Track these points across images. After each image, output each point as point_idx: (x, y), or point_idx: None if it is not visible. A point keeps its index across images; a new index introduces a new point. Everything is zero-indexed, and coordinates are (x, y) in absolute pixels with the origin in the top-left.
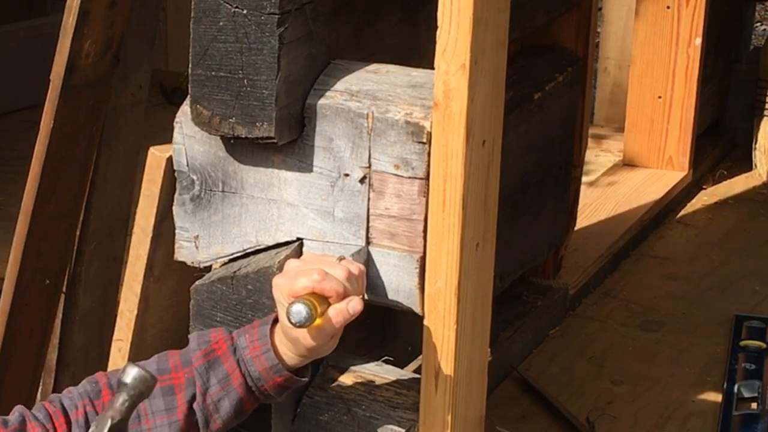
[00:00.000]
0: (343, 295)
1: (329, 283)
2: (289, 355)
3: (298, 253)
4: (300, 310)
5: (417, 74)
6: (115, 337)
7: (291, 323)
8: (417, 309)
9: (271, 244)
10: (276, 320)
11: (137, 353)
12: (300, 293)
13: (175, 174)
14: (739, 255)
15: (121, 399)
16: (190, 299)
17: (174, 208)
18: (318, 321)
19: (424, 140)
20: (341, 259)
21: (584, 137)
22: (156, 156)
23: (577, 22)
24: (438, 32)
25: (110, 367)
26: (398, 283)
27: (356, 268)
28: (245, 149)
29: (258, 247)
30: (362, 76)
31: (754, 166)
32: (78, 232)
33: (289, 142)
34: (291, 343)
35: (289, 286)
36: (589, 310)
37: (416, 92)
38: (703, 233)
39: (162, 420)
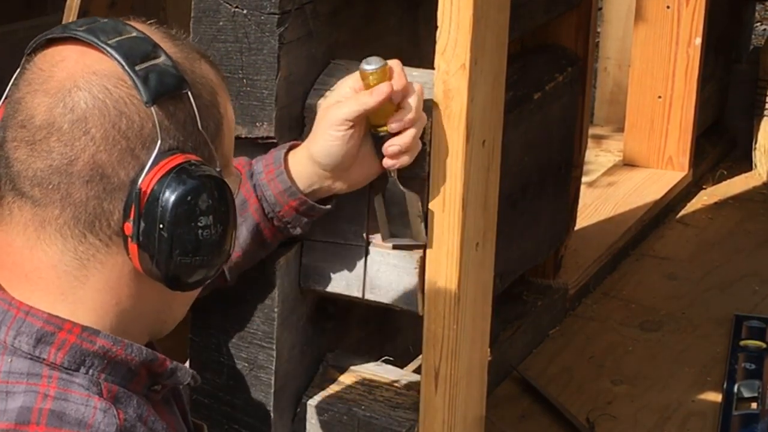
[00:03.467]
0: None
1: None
2: (305, 180)
3: (298, 254)
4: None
5: (417, 74)
6: None
7: (365, 68)
8: (417, 309)
9: None
10: (292, 148)
11: None
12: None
13: None
14: (739, 255)
15: None
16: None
17: None
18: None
19: (424, 140)
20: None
21: (584, 137)
22: None
23: (577, 22)
24: (438, 32)
25: None
26: (398, 283)
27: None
28: (245, 149)
29: None
30: None
31: (754, 166)
32: None
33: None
34: (310, 163)
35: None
36: (589, 310)
37: None
38: (703, 233)
39: None
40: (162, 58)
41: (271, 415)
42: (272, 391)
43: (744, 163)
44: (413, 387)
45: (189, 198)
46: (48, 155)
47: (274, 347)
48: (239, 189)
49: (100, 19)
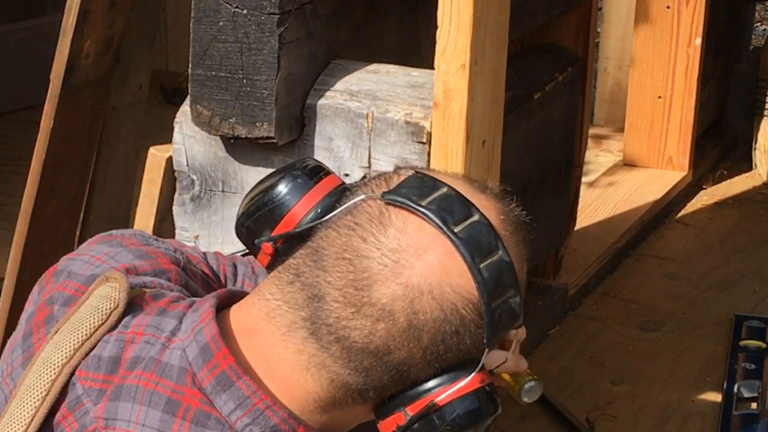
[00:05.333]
0: None
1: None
2: None
3: None
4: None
5: (417, 74)
6: None
7: (523, 400)
8: None
9: None
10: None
11: None
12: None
13: (175, 174)
14: (739, 255)
15: None
16: None
17: (174, 208)
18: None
19: (424, 140)
20: None
21: (584, 137)
22: (156, 156)
23: (577, 22)
24: (438, 32)
25: None
26: None
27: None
28: (245, 149)
29: None
30: (362, 76)
31: (754, 166)
32: (78, 232)
33: (289, 142)
34: None
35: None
36: (589, 310)
37: (416, 92)
38: (703, 233)
39: None
40: (513, 293)
41: None
42: None
43: (744, 163)
44: None
45: (471, 430)
46: (370, 335)
47: None
48: None
49: (474, 212)
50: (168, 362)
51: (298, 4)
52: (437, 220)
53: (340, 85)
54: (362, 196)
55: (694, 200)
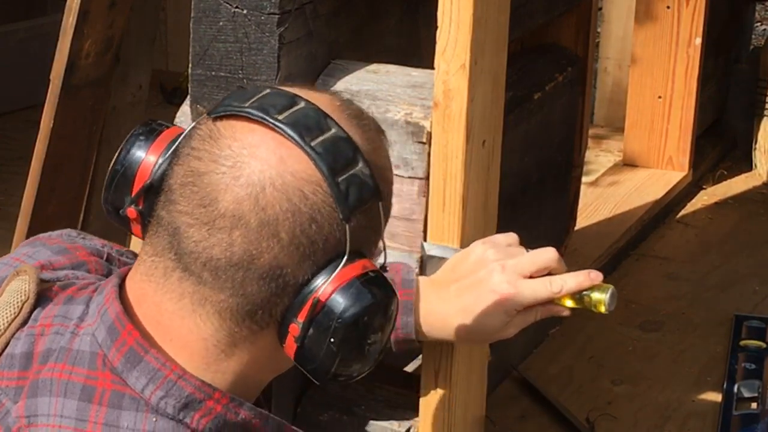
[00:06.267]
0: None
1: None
2: (427, 333)
3: None
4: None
5: (417, 74)
6: None
7: (609, 310)
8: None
9: None
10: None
11: None
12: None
13: None
14: (739, 255)
15: None
16: None
17: None
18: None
19: (424, 140)
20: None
21: (584, 137)
22: None
23: (577, 22)
24: (438, 32)
25: None
26: None
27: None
28: None
29: None
30: (362, 76)
31: (754, 166)
32: None
33: None
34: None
35: (539, 292)
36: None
37: (416, 92)
38: (703, 233)
39: None
40: (360, 165)
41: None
42: (273, 390)
43: (744, 163)
44: (413, 387)
45: (366, 318)
46: (229, 247)
47: None
48: None
49: (299, 101)
50: (79, 349)
51: (298, 4)
52: (261, 114)
53: (340, 85)
54: (192, 124)
55: (694, 200)
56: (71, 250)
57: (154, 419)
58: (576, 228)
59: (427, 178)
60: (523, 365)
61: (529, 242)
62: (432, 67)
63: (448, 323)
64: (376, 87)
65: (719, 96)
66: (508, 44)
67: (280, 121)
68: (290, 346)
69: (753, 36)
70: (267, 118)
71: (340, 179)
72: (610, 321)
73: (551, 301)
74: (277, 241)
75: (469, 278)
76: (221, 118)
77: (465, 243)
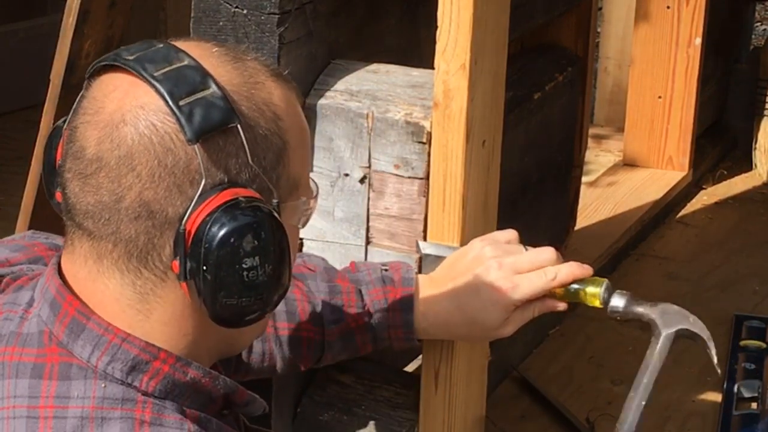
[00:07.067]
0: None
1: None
2: (426, 331)
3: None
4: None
5: (417, 74)
6: None
7: (603, 304)
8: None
9: None
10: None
11: None
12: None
13: None
14: (739, 255)
15: None
16: None
17: None
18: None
19: (424, 140)
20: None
21: (584, 137)
22: None
23: (577, 22)
24: (438, 32)
25: None
26: None
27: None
28: None
29: None
30: (362, 76)
31: (754, 166)
32: None
33: None
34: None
35: (534, 287)
36: (589, 310)
37: (416, 92)
38: (703, 233)
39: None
40: (210, 90)
41: (272, 414)
42: (273, 390)
43: (744, 163)
44: (413, 387)
45: (232, 239)
46: (97, 191)
47: None
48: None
49: (155, 44)
50: (28, 332)
51: (298, 4)
52: (114, 58)
53: (340, 85)
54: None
55: (694, 200)
56: (29, 247)
57: (104, 385)
58: (576, 228)
59: (427, 177)
60: (523, 365)
61: (529, 242)
62: (432, 67)
63: (447, 321)
64: (376, 87)
65: (719, 96)
66: (508, 44)
67: (127, 60)
68: (183, 289)
69: (753, 36)
70: (118, 60)
71: (182, 103)
72: (610, 321)
73: (547, 296)
74: (136, 175)
75: (466, 275)
76: (92, 76)
77: (465, 243)
